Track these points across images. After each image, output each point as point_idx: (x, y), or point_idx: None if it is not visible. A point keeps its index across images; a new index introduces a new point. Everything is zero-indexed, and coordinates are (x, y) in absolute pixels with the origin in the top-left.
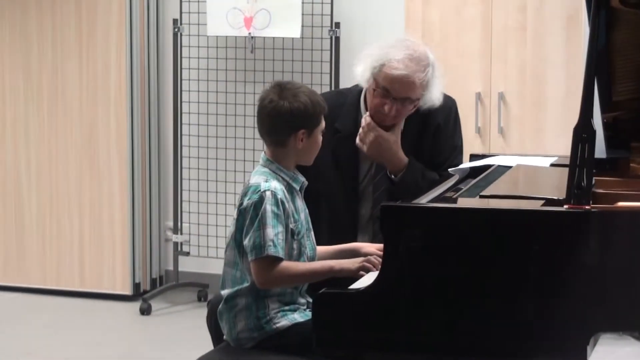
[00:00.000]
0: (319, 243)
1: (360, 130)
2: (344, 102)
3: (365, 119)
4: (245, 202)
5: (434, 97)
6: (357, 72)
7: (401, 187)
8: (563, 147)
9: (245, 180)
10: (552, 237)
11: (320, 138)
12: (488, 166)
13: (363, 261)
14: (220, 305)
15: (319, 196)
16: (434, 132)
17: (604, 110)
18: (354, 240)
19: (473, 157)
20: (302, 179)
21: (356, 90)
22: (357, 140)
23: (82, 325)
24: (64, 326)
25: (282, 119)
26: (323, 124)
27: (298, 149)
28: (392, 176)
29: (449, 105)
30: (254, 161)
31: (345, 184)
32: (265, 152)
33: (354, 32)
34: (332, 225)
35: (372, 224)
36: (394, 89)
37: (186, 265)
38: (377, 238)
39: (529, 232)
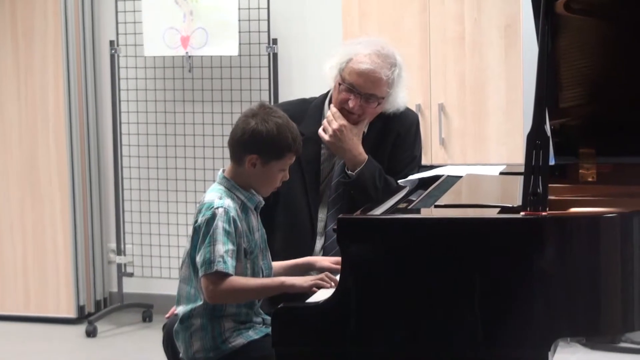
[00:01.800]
0: (280, 247)
1: (325, 120)
2: (308, 108)
3: (332, 109)
4: (199, 220)
5: (399, 100)
6: (326, 70)
7: (359, 182)
8: (505, 156)
9: (199, 198)
10: (510, 244)
11: (279, 176)
12: (437, 177)
13: (315, 279)
14: (175, 325)
15: (280, 199)
16: (393, 141)
17: (551, 117)
18: (313, 243)
19: (421, 168)
20: (258, 198)
21: (321, 96)
22: (320, 129)
23: (28, 349)
24: (10, 351)
25: (242, 137)
26: (287, 162)
27: (250, 173)
28: (350, 172)
29: (412, 118)
30: (195, 180)
31: (307, 187)
32: (224, 169)
33: (292, 48)
34: (292, 228)
35: (325, 228)
36: (359, 84)
37: (130, 286)
38: (330, 242)
39: (486, 240)
